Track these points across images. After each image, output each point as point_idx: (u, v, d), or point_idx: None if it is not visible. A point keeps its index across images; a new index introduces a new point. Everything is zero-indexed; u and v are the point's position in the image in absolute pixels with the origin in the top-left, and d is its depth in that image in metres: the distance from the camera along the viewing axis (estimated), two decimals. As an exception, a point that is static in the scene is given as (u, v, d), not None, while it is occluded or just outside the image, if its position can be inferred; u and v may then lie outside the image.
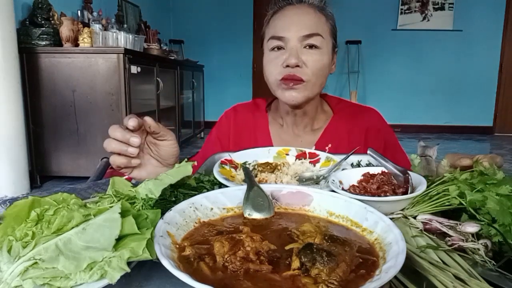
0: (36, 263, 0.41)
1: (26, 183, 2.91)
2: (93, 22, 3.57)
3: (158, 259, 0.40)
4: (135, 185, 0.60)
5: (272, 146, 1.08)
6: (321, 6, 1.00)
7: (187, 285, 0.35)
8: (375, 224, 0.49)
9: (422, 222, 0.55)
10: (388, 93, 6.77)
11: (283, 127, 1.13)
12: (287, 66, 0.95)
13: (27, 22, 3.17)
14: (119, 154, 0.67)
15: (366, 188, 0.65)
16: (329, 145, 1.03)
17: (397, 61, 6.65)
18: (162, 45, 5.05)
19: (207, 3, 6.78)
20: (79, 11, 3.89)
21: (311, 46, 0.96)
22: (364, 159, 0.86)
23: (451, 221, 0.53)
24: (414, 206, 0.59)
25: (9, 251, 0.44)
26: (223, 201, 0.58)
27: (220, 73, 6.89)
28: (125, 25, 4.58)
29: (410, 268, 0.44)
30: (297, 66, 0.95)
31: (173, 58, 4.83)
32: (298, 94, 0.98)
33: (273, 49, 0.99)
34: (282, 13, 1.00)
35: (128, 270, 0.41)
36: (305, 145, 1.05)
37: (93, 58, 3.15)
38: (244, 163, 0.87)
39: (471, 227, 0.51)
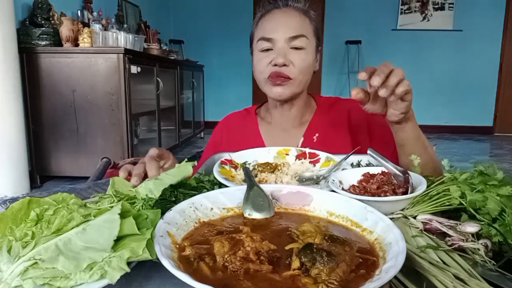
0: (36, 263, 0.41)
1: (26, 183, 2.91)
2: (93, 22, 3.57)
3: (158, 259, 0.40)
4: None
5: (262, 142, 1.13)
6: (305, 9, 1.07)
7: (187, 285, 0.35)
8: (375, 224, 0.49)
9: (422, 222, 0.55)
10: (388, 93, 6.75)
11: (272, 124, 1.19)
12: (275, 65, 1.01)
13: (27, 22, 3.17)
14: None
15: (366, 188, 0.65)
16: (317, 135, 1.10)
17: (397, 61, 6.51)
18: (162, 45, 5.04)
19: (207, 3, 6.77)
20: (79, 11, 3.89)
21: (297, 48, 1.02)
22: (364, 159, 0.86)
23: (451, 221, 0.53)
24: (414, 206, 0.59)
25: (9, 251, 0.44)
26: (223, 201, 0.58)
27: (220, 73, 6.89)
28: (125, 25, 4.58)
29: (410, 268, 0.44)
30: (284, 65, 1.01)
31: (173, 58, 4.83)
32: (284, 90, 1.04)
33: (262, 50, 1.05)
34: (270, 16, 1.06)
35: (128, 270, 0.41)
36: (293, 138, 1.11)
37: (93, 58, 3.15)
38: (244, 163, 0.87)
39: (471, 227, 0.51)
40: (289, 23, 1.03)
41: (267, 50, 1.04)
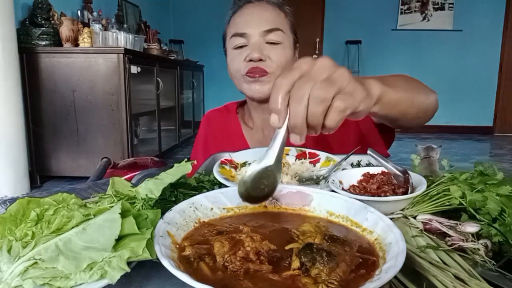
0: (36, 263, 0.41)
1: (26, 183, 2.91)
2: (93, 22, 3.57)
3: (158, 259, 0.40)
4: (135, 185, 0.60)
5: (247, 146, 1.09)
6: (279, 3, 1.02)
7: (187, 285, 0.35)
8: (375, 224, 0.49)
9: (422, 222, 0.55)
10: (388, 93, 6.75)
11: (253, 129, 1.14)
12: (250, 60, 0.95)
13: (27, 22, 3.17)
14: None
15: (366, 188, 0.65)
16: None
17: (397, 61, 6.64)
18: (162, 45, 5.05)
19: (207, 3, 6.77)
20: (79, 11, 3.89)
21: (273, 42, 0.97)
22: (364, 159, 0.86)
23: (451, 221, 0.53)
24: (414, 206, 0.59)
25: (9, 251, 0.44)
26: (223, 201, 0.58)
27: (220, 73, 6.87)
28: (125, 25, 4.58)
29: (410, 268, 0.44)
30: (261, 60, 0.95)
31: (173, 58, 4.83)
32: (263, 86, 0.97)
33: (235, 47, 0.99)
34: (242, 11, 1.01)
35: (128, 270, 0.41)
36: None
37: (93, 58, 3.15)
38: (244, 163, 0.86)
39: (471, 227, 0.51)
40: (263, 17, 0.97)
41: (241, 47, 0.98)
